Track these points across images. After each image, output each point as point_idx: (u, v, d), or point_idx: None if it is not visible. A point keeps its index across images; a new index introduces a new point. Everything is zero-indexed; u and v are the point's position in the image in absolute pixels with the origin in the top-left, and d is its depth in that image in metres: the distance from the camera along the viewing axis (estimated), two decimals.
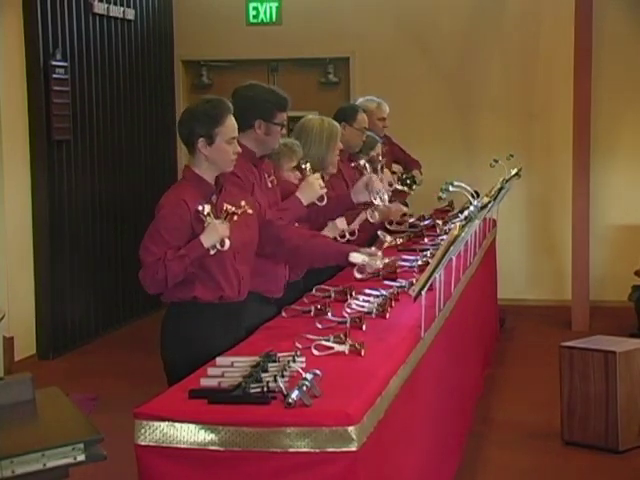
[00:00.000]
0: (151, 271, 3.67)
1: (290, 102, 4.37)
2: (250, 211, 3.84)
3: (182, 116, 3.91)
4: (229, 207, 3.77)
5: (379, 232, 5.64)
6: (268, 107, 4.26)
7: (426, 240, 6.18)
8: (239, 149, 3.88)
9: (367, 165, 5.23)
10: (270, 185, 4.36)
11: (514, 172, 7.06)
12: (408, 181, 7.21)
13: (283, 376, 3.12)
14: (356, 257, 4.16)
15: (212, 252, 3.72)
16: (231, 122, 3.84)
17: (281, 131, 4.36)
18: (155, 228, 3.74)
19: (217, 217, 3.74)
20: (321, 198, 4.54)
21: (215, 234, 3.72)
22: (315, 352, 3.53)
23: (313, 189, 4.52)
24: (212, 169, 3.84)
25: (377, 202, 4.93)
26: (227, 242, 3.75)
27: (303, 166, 4.62)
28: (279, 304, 4.34)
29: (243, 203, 3.82)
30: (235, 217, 3.77)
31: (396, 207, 6.27)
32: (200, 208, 3.71)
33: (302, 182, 4.58)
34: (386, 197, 4.99)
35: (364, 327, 3.92)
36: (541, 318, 8.83)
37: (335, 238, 4.83)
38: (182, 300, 3.81)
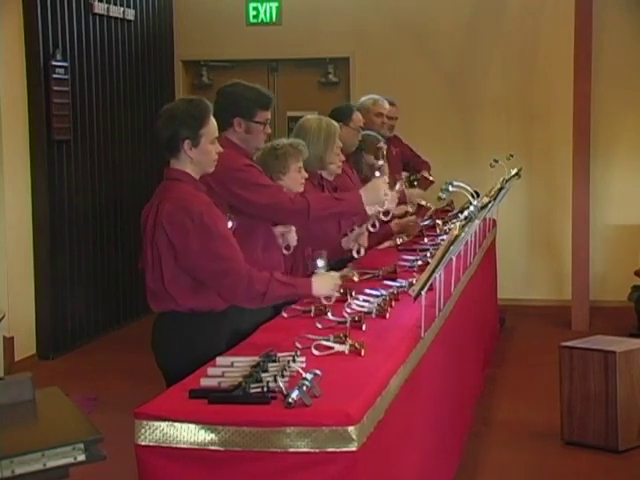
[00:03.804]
0: (247, 282, 3.66)
1: (274, 100, 4.34)
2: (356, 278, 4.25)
3: (162, 118, 3.79)
4: (354, 274, 4.12)
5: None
6: (247, 105, 4.24)
7: (426, 240, 6.18)
8: (220, 149, 3.86)
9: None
10: None
11: (514, 172, 7.06)
12: (415, 183, 7.20)
13: (283, 376, 3.12)
14: None
15: None
16: (213, 122, 3.81)
17: (265, 130, 4.30)
18: (217, 236, 3.68)
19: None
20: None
21: (327, 286, 3.88)
22: (315, 352, 3.53)
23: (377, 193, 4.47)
24: (196, 171, 3.81)
25: (356, 257, 5.03)
26: (333, 297, 3.95)
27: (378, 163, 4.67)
28: (280, 303, 4.32)
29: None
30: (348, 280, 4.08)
31: (414, 222, 6.39)
32: (319, 263, 3.89)
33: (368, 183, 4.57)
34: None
35: (364, 327, 3.92)
36: (541, 318, 8.83)
37: (350, 250, 4.92)
38: (195, 310, 3.73)
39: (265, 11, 9.70)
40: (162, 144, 3.80)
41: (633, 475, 5.22)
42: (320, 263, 4.10)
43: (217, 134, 3.85)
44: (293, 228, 4.42)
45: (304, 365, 3.30)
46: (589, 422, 5.50)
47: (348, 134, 5.95)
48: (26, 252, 7.67)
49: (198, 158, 3.77)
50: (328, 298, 3.89)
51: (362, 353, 3.53)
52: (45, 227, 7.75)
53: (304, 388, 2.95)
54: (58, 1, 7.86)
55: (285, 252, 4.43)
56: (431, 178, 7.26)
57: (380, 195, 4.42)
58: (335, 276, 3.99)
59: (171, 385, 3.37)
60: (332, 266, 4.84)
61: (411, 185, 7.04)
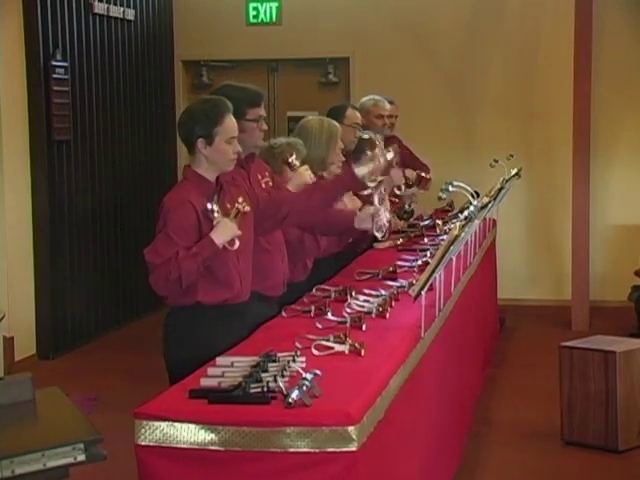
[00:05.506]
0: (164, 272, 3.64)
1: (264, 97, 4.30)
2: (248, 209, 3.83)
3: (181, 117, 3.91)
4: (239, 205, 3.76)
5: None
6: (237, 105, 4.18)
7: (426, 240, 6.18)
8: (239, 148, 3.88)
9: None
10: (264, 186, 4.33)
11: (514, 172, 7.06)
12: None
13: (283, 376, 3.12)
14: (361, 169, 4.23)
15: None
16: (231, 122, 3.83)
17: (259, 126, 4.24)
18: (163, 230, 3.71)
19: (225, 215, 3.74)
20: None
21: (227, 231, 3.73)
22: (315, 352, 3.53)
23: (304, 179, 4.53)
24: (212, 169, 3.85)
25: (378, 235, 4.85)
26: (237, 242, 3.76)
27: (290, 159, 4.58)
28: (281, 303, 4.34)
29: (241, 199, 3.82)
30: (243, 215, 3.78)
31: (395, 173, 6.11)
32: (208, 206, 3.72)
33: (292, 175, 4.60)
34: (387, 217, 4.74)
35: (364, 327, 3.92)
36: (541, 318, 8.83)
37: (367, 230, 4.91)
38: (185, 305, 3.80)
39: (265, 11, 9.71)
40: (183, 142, 3.89)
41: (633, 475, 5.22)
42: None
43: (236, 133, 3.86)
44: (382, 208, 4.49)
45: (304, 365, 3.30)
46: (589, 422, 5.50)
47: (344, 131, 5.93)
48: (26, 252, 7.67)
49: (213, 157, 3.81)
50: (231, 243, 3.78)
51: (362, 353, 3.53)
52: (45, 227, 7.75)
53: (304, 388, 2.95)
54: (58, 1, 7.86)
55: (377, 234, 4.42)
56: (428, 176, 7.20)
57: (306, 178, 4.54)
58: (230, 222, 3.81)
59: (174, 380, 3.38)
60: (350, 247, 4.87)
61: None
